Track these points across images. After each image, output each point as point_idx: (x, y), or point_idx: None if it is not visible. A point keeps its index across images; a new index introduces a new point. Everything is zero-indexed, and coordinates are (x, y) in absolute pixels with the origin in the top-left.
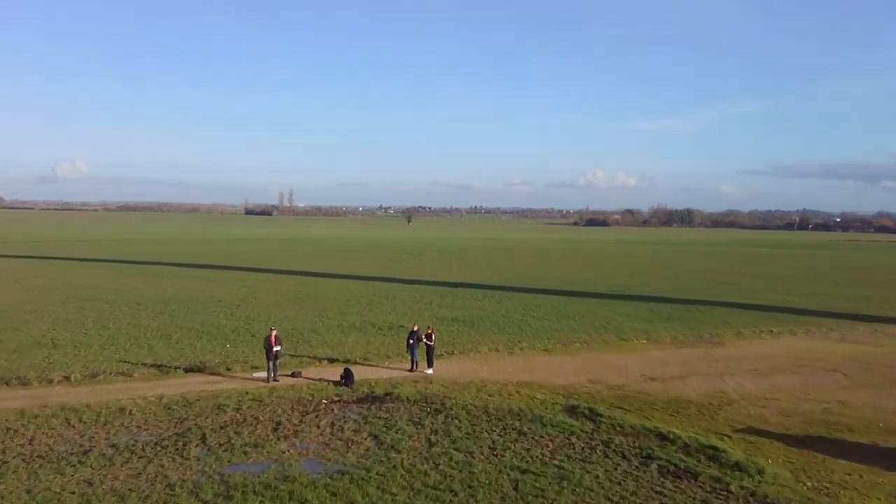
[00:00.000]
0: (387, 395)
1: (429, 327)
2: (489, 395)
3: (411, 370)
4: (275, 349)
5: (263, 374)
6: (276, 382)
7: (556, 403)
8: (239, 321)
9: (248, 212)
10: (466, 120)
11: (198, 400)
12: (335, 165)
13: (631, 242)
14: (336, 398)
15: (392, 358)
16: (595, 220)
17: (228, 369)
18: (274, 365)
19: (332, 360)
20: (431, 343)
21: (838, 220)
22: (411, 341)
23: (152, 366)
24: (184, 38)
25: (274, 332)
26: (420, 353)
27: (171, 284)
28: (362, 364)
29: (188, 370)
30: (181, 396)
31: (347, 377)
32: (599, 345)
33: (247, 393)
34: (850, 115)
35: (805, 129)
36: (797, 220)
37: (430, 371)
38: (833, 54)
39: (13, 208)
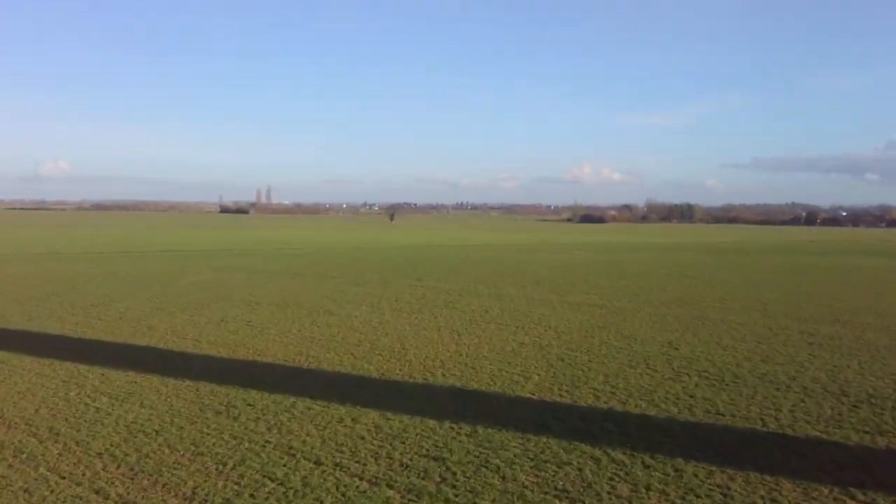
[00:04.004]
0: None
1: None
2: None
3: None
4: None
5: None
6: None
7: None
8: None
9: (224, 210)
10: (452, 115)
11: None
12: (322, 163)
13: (675, 249)
14: None
15: None
16: (591, 217)
17: None
18: None
19: None
20: None
21: (845, 214)
22: None
23: None
24: (162, 37)
25: None
26: None
27: None
28: None
29: None
30: None
31: None
32: None
33: None
34: (832, 109)
35: (788, 123)
36: (804, 214)
37: None
38: (817, 49)
39: None
